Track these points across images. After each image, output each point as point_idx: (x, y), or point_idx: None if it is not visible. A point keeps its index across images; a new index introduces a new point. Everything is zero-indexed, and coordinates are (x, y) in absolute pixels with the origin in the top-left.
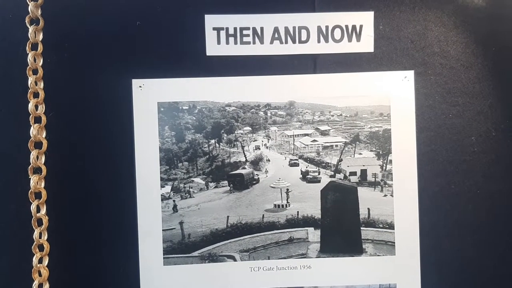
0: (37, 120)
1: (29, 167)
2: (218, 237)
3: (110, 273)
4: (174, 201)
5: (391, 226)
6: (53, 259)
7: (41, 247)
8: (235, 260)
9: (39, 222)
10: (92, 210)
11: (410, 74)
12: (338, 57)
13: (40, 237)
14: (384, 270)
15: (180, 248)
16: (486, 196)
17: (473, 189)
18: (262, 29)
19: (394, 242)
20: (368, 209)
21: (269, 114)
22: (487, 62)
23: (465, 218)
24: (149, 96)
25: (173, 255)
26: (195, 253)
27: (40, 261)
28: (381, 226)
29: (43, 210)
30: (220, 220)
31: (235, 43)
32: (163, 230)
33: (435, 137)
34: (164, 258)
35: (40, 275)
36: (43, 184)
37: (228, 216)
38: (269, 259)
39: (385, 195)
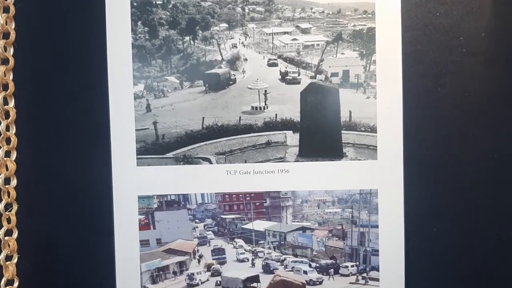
0: (6, 10)
1: None
2: (193, 138)
3: (81, 173)
4: (147, 100)
5: (373, 129)
6: (20, 154)
7: (8, 140)
8: (211, 162)
9: (7, 114)
10: (63, 106)
11: None
12: None
13: (7, 130)
14: (365, 175)
15: (154, 148)
16: (473, 99)
17: (460, 92)
18: None
19: (376, 146)
20: (350, 111)
21: (246, 10)
22: None
23: (451, 122)
24: None
25: (146, 156)
26: (170, 154)
27: (8, 154)
28: (363, 129)
29: (11, 103)
30: (195, 121)
31: None
32: (136, 129)
33: (422, 37)
34: (137, 158)
35: (7, 169)
36: (11, 76)
37: (203, 117)
38: (246, 162)
39: (368, 97)
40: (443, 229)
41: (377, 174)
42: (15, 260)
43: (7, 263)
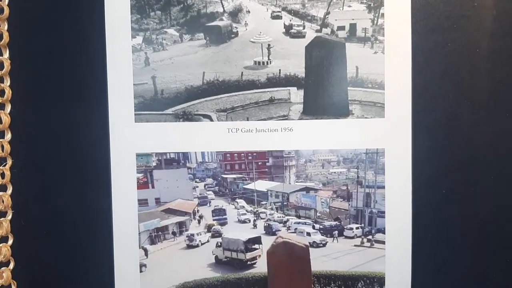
0: None
1: None
2: (193, 94)
3: (77, 129)
4: (146, 53)
5: (381, 86)
6: (15, 107)
7: (2, 93)
8: (211, 120)
9: (1, 66)
10: (59, 59)
11: None
12: None
13: (1, 82)
14: (372, 133)
15: (152, 104)
16: (485, 55)
17: (471, 48)
18: None
19: (383, 104)
20: (357, 67)
21: None
22: None
23: (462, 79)
24: None
25: (145, 112)
26: (169, 111)
27: (2, 107)
28: (370, 86)
29: (6, 54)
30: (196, 76)
31: None
32: (134, 84)
33: None
34: (135, 114)
35: (1, 122)
36: (5, 27)
37: (204, 72)
38: (248, 120)
39: (376, 52)
40: (452, 190)
41: (384, 133)
42: (9, 216)
43: (1, 219)
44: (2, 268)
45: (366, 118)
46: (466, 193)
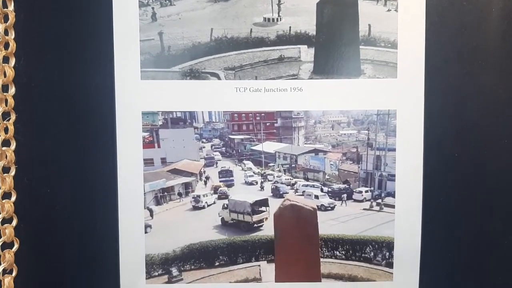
0: None
1: None
2: (200, 51)
3: (82, 86)
4: (153, 8)
5: (393, 45)
6: (19, 62)
7: (6, 46)
8: (219, 78)
9: (5, 18)
10: (64, 15)
11: None
12: None
13: (6, 34)
14: (384, 94)
15: (159, 61)
16: (501, 14)
17: (487, 7)
18: None
19: (396, 63)
20: (369, 25)
21: None
22: None
23: (476, 39)
24: None
25: (151, 69)
26: (176, 68)
27: (6, 60)
28: (382, 44)
29: (11, 6)
30: (203, 32)
31: None
32: (140, 40)
33: None
34: (141, 71)
35: (5, 76)
36: None
37: (212, 29)
38: (256, 79)
39: (389, 10)
40: (464, 153)
41: (396, 94)
42: (12, 172)
43: (5, 175)
44: (5, 224)
45: (378, 78)
46: (478, 156)
